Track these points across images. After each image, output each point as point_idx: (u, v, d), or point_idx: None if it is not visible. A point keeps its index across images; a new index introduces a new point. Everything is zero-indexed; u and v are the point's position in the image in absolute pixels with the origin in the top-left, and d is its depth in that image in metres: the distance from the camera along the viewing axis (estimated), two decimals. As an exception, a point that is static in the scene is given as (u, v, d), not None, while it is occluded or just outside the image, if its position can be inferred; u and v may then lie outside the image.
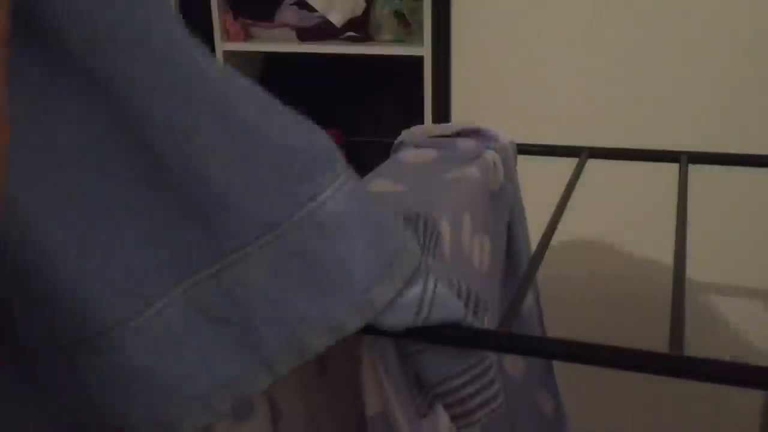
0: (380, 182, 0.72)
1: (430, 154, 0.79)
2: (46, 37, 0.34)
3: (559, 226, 0.64)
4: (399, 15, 1.40)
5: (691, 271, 1.17)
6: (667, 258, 1.17)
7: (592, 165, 0.82)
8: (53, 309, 0.39)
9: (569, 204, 0.68)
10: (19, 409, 0.43)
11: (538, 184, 0.98)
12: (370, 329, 0.49)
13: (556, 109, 1.20)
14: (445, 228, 0.64)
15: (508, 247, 0.83)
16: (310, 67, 1.59)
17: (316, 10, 1.44)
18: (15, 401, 0.43)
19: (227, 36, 1.49)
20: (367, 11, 1.44)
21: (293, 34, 1.47)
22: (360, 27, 1.45)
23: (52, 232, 0.37)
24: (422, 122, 1.31)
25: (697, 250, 1.09)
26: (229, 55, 1.50)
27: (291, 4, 1.46)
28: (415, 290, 0.46)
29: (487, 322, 0.53)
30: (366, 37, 1.45)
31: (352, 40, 1.45)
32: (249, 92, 0.41)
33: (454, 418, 0.52)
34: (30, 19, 0.34)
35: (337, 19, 1.44)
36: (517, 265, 0.84)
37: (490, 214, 0.78)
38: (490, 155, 0.78)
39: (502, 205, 0.80)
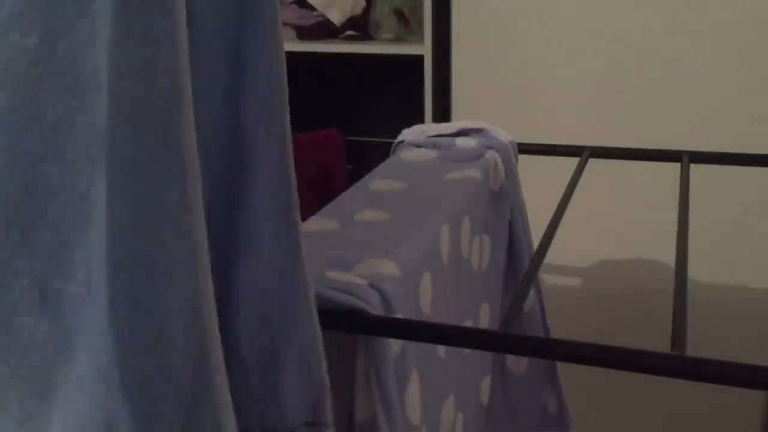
0: (380, 181, 0.72)
1: (430, 153, 0.79)
2: None
3: (561, 226, 0.64)
4: (399, 14, 1.40)
5: (692, 271, 1.17)
6: (669, 258, 1.17)
7: (594, 164, 0.82)
8: None
9: (570, 203, 0.68)
10: None
11: (539, 183, 0.98)
12: (367, 328, 0.49)
13: (557, 108, 1.20)
14: (444, 231, 0.63)
15: (510, 247, 0.83)
16: (309, 66, 1.59)
17: (315, 9, 1.44)
18: None
19: (227, 35, 1.49)
20: (367, 10, 1.44)
21: (293, 32, 1.47)
22: (360, 25, 1.44)
23: None
24: (422, 122, 1.31)
25: (698, 249, 1.09)
26: (229, 55, 1.49)
27: (290, 3, 1.45)
28: None
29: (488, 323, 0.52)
30: (366, 36, 1.45)
31: (352, 38, 1.45)
32: None
33: None
34: None
35: (336, 17, 1.43)
36: (519, 265, 0.84)
37: (490, 213, 0.77)
38: (491, 155, 0.78)
39: (503, 205, 0.79)
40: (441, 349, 0.64)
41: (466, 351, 0.71)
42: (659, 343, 0.50)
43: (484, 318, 0.78)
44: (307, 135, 0.82)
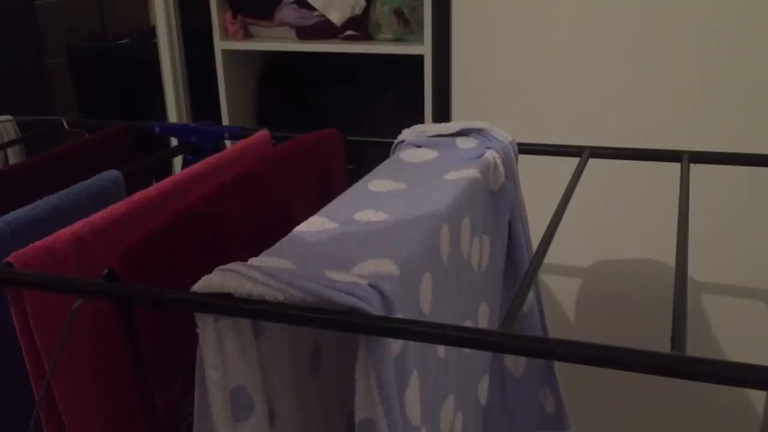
0: (380, 181, 0.72)
1: (430, 153, 0.79)
2: None
3: (561, 226, 0.64)
4: (399, 13, 1.40)
5: (692, 271, 1.17)
6: (669, 258, 1.17)
7: (594, 164, 0.82)
8: None
9: (570, 203, 0.68)
10: None
11: (540, 183, 0.98)
12: (367, 328, 0.49)
13: (557, 108, 1.20)
14: (444, 231, 0.63)
15: (509, 247, 0.83)
16: (309, 66, 1.59)
17: (315, 9, 1.44)
18: None
19: (226, 35, 1.49)
20: (366, 10, 1.44)
21: (293, 32, 1.47)
22: (360, 26, 1.44)
23: None
24: (422, 122, 1.31)
25: (698, 249, 1.09)
26: (228, 54, 1.49)
27: (290, 3, 1.45)
28: None
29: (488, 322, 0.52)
30: (366, 36, 1.45)
31: (352, 38, 1.45)
32: None
33: None
34: None
35: (336, 17, 1.43)
36: (518, 265, 0.84)
37: (490, 213, 0.77)
38: (491, 155, 0.78)
39: (503, 205, 0.79)
40: (441, 349, 0.64)
41: (466, 351, 0.71)
42: (659, 343, 0.50)
43: (484, 318, 0.78)
44: (307, 135, 0.82)
